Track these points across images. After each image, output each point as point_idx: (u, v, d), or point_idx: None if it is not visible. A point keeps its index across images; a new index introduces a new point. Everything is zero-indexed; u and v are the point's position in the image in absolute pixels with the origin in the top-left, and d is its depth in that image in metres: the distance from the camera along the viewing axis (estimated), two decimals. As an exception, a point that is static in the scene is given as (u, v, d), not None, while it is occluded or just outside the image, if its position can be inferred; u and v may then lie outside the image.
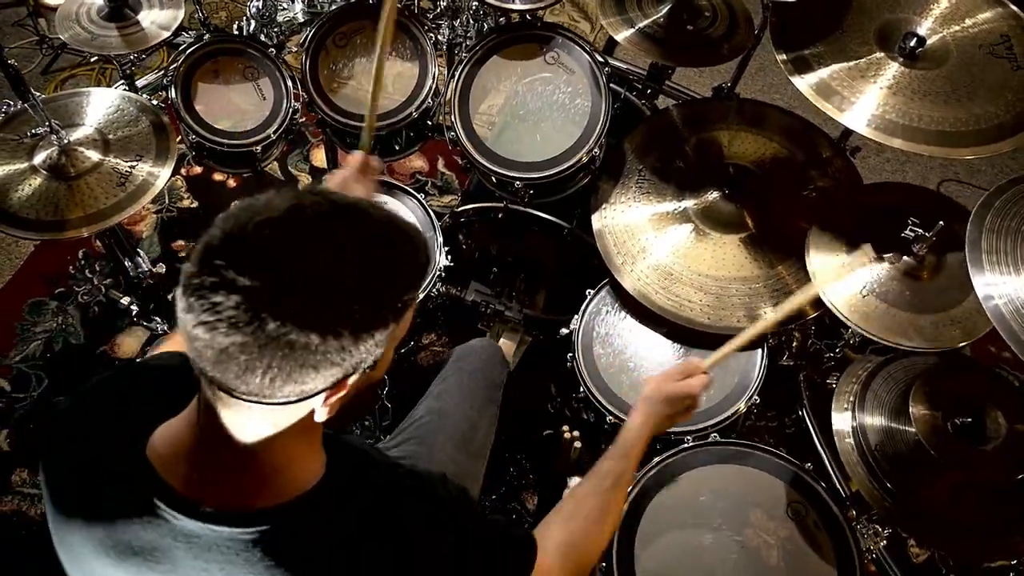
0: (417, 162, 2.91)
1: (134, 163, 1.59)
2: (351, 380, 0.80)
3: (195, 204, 2.72)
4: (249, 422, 0.81)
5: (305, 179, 2.83)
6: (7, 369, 2.28)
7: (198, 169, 2.75)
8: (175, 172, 2.72)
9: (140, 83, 1.93)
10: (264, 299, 0.70)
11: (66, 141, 1.58)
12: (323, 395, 0.79)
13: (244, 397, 0.75)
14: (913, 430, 1.38)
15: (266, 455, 0.84)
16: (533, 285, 2.33)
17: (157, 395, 0.93)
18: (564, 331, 1.85)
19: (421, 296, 1.84)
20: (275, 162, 2.83)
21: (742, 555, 1.49)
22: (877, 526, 1.65)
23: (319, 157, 2.85)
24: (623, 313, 1.84)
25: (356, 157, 1.45)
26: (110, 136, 1.64)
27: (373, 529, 0.89)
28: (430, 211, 1.94)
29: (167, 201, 2.69)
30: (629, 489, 1.30)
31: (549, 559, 1.09)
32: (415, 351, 2.38)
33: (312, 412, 0.82)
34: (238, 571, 0.85)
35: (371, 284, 0.76)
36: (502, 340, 2.32)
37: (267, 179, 2.80)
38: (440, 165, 2.89)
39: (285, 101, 1.89)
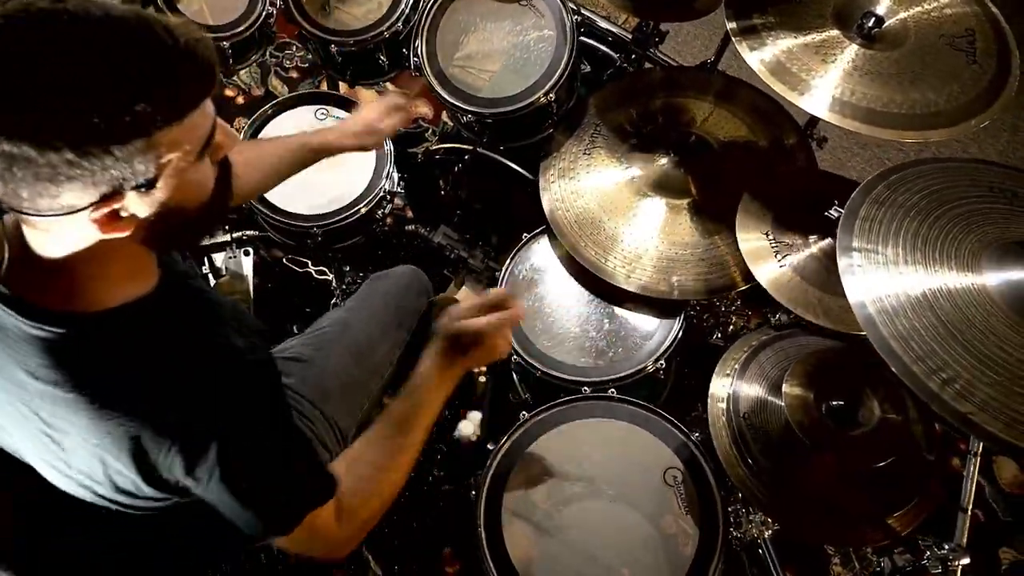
0: (422, 108, 2.93)
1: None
2: (128, 202, 0.81)
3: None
4: (36, 231, 0.84)
5: (311, 108, 2.90)
6: None
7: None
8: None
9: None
10: None
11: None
12: (88, 211, 0.79)
13: (9, 207, 0.78)
14: (783, 405, 1.34)
15: (64, 264, 0.86)
16: (503, 238, 2.35)
17: None
18: (494, 266, 1.86)
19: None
20: (285, 88, 2.91)
21: (617, 511, 1.48)
22: (763, 514, 1.61)
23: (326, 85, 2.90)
24: (553, 260, 1.84)
25: (398, 96, 1.59)
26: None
27: (161, 365, 0.90)
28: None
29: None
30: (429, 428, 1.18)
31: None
32: (375, 280, 2.42)
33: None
34: (18, 359, 0.88)
35: (77, 94, 0.73)
36: (463, 289, 2.34)
37: (273, 97, 2.88)
38: (444, 115, 2.91)
39: (260, 5, 1.94)
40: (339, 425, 1.51)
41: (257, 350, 1.01)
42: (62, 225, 0.81)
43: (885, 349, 1.00)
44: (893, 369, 0.99)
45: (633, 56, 2.10)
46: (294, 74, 2.94)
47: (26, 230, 0.85)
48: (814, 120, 1.81)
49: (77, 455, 0.94)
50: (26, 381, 0.89)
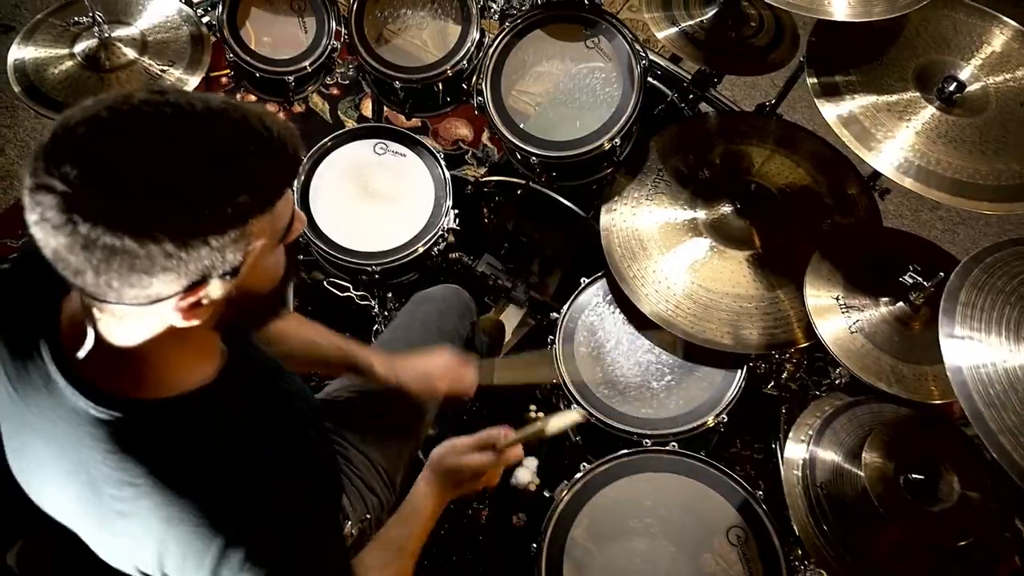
0: (462, 130, 2.93)
1: (165, 68, 1.66)
2: (211, 289, 0.81)
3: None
4: (112, 319, 0.84)
5: (351, 125, 2.88)
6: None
7: (252, 98, 2.83)
8: (231, 96, 2.83)
9: (197, -2, 2.00)
10: (74, 201, 0.71)
11: (107, 35, 1.65)
12: (174, 300, 0.79)
13: (93, 297, 0.78)
14: (862, 475, 1.34)
15: (135, 351, 0.86)
16: (547, 270, 2.34)
17: None
18: (554, 315, 1.85)
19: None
20: (326, 104, 2.89)
21: (681, 566, 1.47)
22: (823, 571, 1.61)
23: (368, 107, 2.89)
24: (613, 307, 1.83)
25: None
26: (149, 38, 1.71)
27: (210, 459, 0.89)
28: (445, 171, 1.95)
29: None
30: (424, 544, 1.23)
31: None
32: (418, 310, 2.41)
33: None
34: (80, 442, 0.88)
35: (183, 187, 0.73)
36: (503, 315, 2.33)
37: (316, 118, 2.87)
38: (484, 137, 2.91)
39: (325, 39, 1.93)
40: (384, 468, 1.50)
41: (309, 439, 1.03)
42: (142, 313, 0.81)
43: (995, 444, 1.00)
44: (1003, 466, 0.98)
45: (691, 95, 2.09)
46: (335, 91, 2.93)
47: (99, 316, 0.84)
48: (878, 172, 1.80)
49: (135, 538, 0.92)
50: (93, 463, 0.88)
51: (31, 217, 0.72)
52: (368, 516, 1.44)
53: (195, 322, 0.83)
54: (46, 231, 0.72)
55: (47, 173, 0.71)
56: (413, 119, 2.73)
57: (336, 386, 1.59)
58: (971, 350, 1.07)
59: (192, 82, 1.68)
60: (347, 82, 2.89)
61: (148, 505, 0.87)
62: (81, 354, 0.86)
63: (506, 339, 2.28)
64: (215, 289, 0.81)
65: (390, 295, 2.24)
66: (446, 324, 1.69)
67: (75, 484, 0.91)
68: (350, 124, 2.89)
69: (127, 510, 0.88)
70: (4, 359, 0.92)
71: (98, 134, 0.72)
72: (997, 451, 0.99)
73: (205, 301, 0.82)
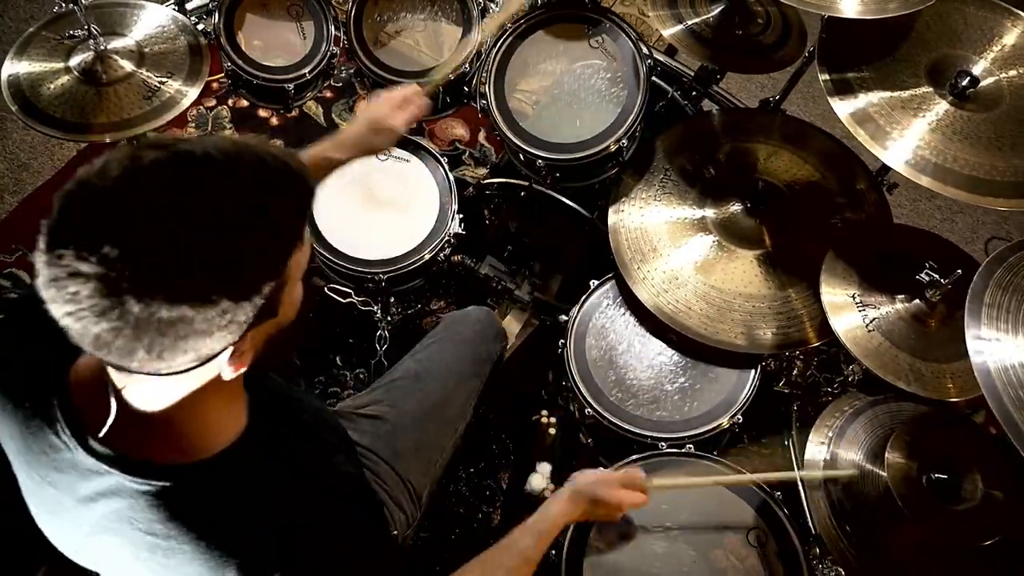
0: (459, 130, 2.90)
1: (164, 79, 1.62)
2: (251, 334, 0.77)
3: (235, 135, 2.76)
4: (149, 390, 0.81)
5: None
6: (32, 264, 2.35)
7: (245, 103, 2.79)
8: (223, 101, 2.79)
9: (191, 4, 1.95)
10: (119, 282, 0.65)
11: (103, 47, 1.61)
12: (226, 354, 0.77)
13: (138, 372, 0.73)
14: (885, 476, 1.33)
15: (172, 416, 0.83)
16: (549, 270, 2.32)
17: None
18: (563, 318, 1.84)
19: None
20: (319, 108, 2.85)
21: (701, 571, 1.47)
22: (840, 569, 1.60)
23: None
24: (623, 309, 1.81)
25: (411, 87, 1.44)
26: (146, 49, 1.67)
27: (270, 507, 0.88)
28: (450, 176, 1.93)
29: (210, 128, 2.74)
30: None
31: None
32: (420, 315, 2.39)
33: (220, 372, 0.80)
34: (122, 512, 0.84)
35: (234, 243, 0.70)
36: (508, 318, 2.31)
37: (309, 122, 2.83)
38: (481, 137, 2.87)
39: (324, 44, 1.89)
40: (413, 483, 1.49)
41: (344, 463, 1.03)
42: (187, 377, 0.77)
43: (1028, 449, 0.99)
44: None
45: (693, 92, 2.08)
46: (328, 93, 2.89)
47: (125, 384, 0.81)
48: (886, 166, 1.79)
49: None
50: (138, 536, 0.85)
51: (64, 308, 0.66)
52: (395, 532, 1.43)
53: (243, 370, 0.81)
54: (86, 320, 0.66)
55: (78, 258, 0.64)
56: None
57: (366, 400, 1.58)
58: (999, 351, 1.06)
59: (192, 93, 1.64)
60: (340, 84, 2.86)
61: (199, 569, 0.84)
62: (104, 430, 0.82)
63: (510, 343, 2.27)
64: (259, 332, 0.79)
65: (392, 300, 2.22)
66: (481, 345, 1.69)
67: (128, 559, 0.88)
68: (344, 127, 2.84)
69: (174, 570, 0.85)
70: (17, 433, 0.88)
71: (127, 204, 0.67)
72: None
73: (245, 347, 0.79)
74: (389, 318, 2.19)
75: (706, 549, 1.48)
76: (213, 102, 2.78)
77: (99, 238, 0.65)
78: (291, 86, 1.87)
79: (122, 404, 0.83)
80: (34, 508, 0.96)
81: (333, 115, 2.88)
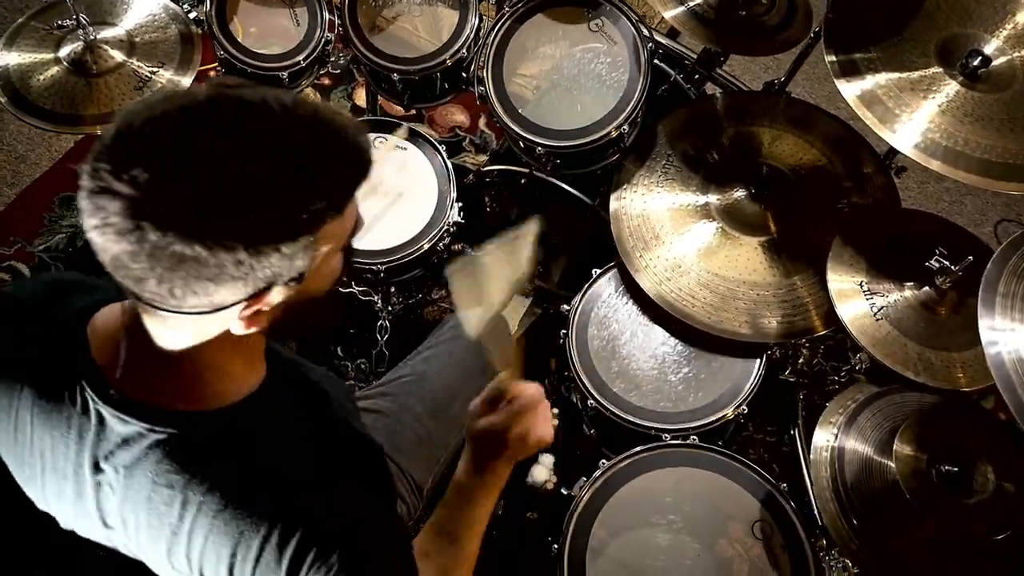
0: (459, 116, 2.86)
1: (155, 69, 1.59)
2: (273, 295, 0.77)
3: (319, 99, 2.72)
4: (165, 327, 0.80)
5: (346, 116, 2.81)
6: (30, 256, 2.34)
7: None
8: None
9: (184, -8, 1.92)
10: (143, 207, 0.66)
11: (92, 37, 1.58)
12: (237, 308, 0.76)
13: (150, 304, 0.73)
14: (894, 468, 1.30)
15: (188, 361, 0.83)
16: (551, 258, 2.29)
17: None
18: (565, 307, 1.81)
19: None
20: (317, 95, 2.82)
21: (705, 563, 1.45)
22: (848, 560, 1.58)
23: (361, 96, 2.82)
24: (626, 298, 1.78)
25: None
26: (137, 39, 1.64)
27: (270, 467, 0.87)
28: (448, 164, 1.89)
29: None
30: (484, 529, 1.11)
31: None
32: (422, 304, 2.36)
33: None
34: (140, 464, 0.85)
35: (261, 193, 0.69)
36: (509, 308, 2.29)
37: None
38: (481, 123, 2.84)
39: (318, 30, 1.86)
40: (415, 479, 1.49)
41: (356, 431, 0.99)
42: (200, 321, 0.77)
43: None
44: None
45: (696, 76, 2.03)
46: (326, 81, 2.85)
47: (148, 322, 0.81)
48: (894, 149, 1.75)
49: (205, 556, 0.89)
50: (156, 492, 0.85)
51: (91, 221, 0.68)
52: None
53: (254, 329, 0.80)
54: (107, 237, 0.68)
55: (113, 175, 0.66)
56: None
57: (368, 394, 1.57)
58: (1013, 342, 1.03)
59: (184, 82, 1.61)
60: (338, 71, 2.82)
61: (213, 521, 0.84)
62: (118, 372, 0.83)
63: (512, 332, 2.25)
64: (277, 295, 0.77)
65: (393, 290, 2.19)
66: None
67: (135, 512, 0.88)
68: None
69: (190, 527, 0.85)
70: (34, 407, 0.88)
71: (168, 134, 0.68)
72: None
73: (266, 308, 0.79)
74: (390, 308, 2.17)
75: (711, 541, 1.46)
76: (211, 90, 2.75)
77: (135, 161, 0.67)
78: (285, 74, 1.83)
79: (137, 347, 0.83)
80: (52, 502, 0.95)
81: (331, 102, 2.84)
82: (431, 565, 1.05)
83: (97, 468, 0.87)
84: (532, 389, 1.14)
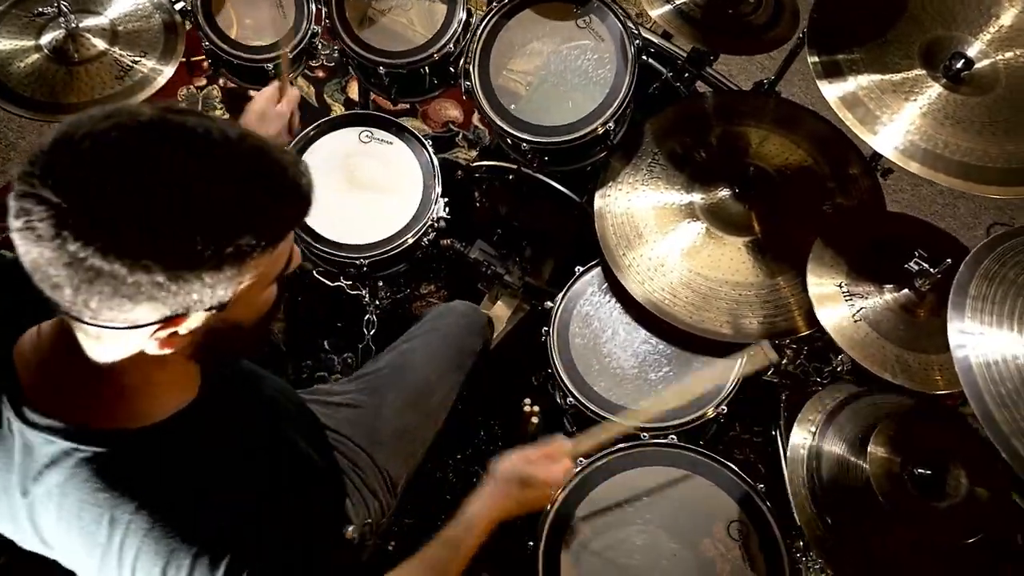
0: (452, 111, 2.86)
1: (138, 59, 1.59)
2: (191, 321, 0.77)
3: (226, 116, 2.72)
4: (87, 338, 0.80)
5: (339, 109, 2.81)
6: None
7: (231, 85, 2.75)
8: (213, 80, 2.75)
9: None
10: (67, 217, 0.67)
11: (74, 25, 1.57)
12: (151, 328, 0.75)
13: (67, 313, 0.74)
14: (868, 469, 1.30)
15: (112, 377, 0.83)
16: (541, 255, 2.28)
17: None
18: (548, 304, 1.81)
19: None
20: (312, 88, 2.81)
21: (684, 562, 1.45)
22: (822, 559, 1.58)
23: (355, 89, 2.81)
24: (609, 297, 1.78)
25: (268, 88, 1.41)
26: (120, 28, 1.63)
27: (201, 486, 0.86)
28: (434, 158, 1.89)
29: (200, 107, 2.71)
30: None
31: None
32: (410, 299, 2.36)
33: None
34: (70, 482, 0.84)
35: (188, 221, 0.70)
36: (498, 304, 2.28)
37: (301, 102, 2.78)
38: (475, 119, 2.83)
39: (304, 22, 1.85)
40: (390, 473, 1.48)
41: (302, 446, 0.99)
42: (118, 336, 0.77)
43: (1006, 447, 0.95)
44: (1016, 470, 0.94)
45: (686, 74, 2.02)
46: (321, 73, 2.85)
47: (77, 335, 0.81)
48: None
49: (129, 569, 0.88)
50: (86, 510, 0.84)
51: (16, 223, 0.68)
52: (369, 520, 1.42)
53: (168, 351, 0.79)
54: (29, 240, 0.68)
55: (42, 182, 0.67)
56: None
57: (346, 388, 1.57)
58: (982, 346, 1.03)
59: (167, 72, 1.61)
60: (333, 64, 2.81)
61: (143, 540, 0.83)
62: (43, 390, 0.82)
63: (501, 328, 2.25)
64: (196, 320, 0.78)
65: (381, 284, 2.19)
66: (466, 339, 1.67)
67: (68, 531, 0.87)
68: (337, 108, 2.81)
69: (120, 546, 0.84)
70: None
71: (104, 151, 0.69)
72: (1009, 454, 0.94)
73: (183, 331, 0.78)
74: (377, 303, 2.16)
75: (690, 540, 1.46)
76: (204, 82, 2.75)
77: (67, 172, 0.68)
78: (271, 66, 1.83)
79: (62, 363, 0.83)
80: None
81: (325, 95, 2.84)
82: None
83: (27, 489, 0.87)
84: (567, 465, 1.25)
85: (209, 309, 0.77)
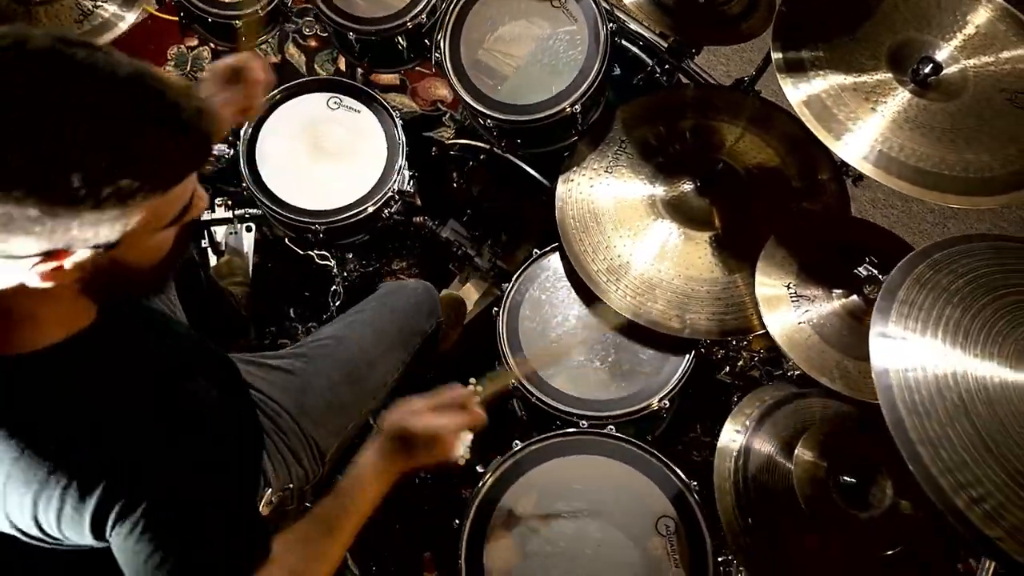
0: (442, 90, 2.83)
1: (99, 3, 1.57)
2: (76, 256, 0.75)
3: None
4: None
5: (327, 79, 2.78)
6: None
7: (196, 42, 2.73)
8: (205, 41, 2.73)
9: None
10: None
11: (34, -38, 1.56)
12: (30, 261, 0.74)
13: None
14: (793, 473, 1.27)
15: None
16: (516, 239, 2.26)
17: None
18: (505, 286, 1.79)
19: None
20: (302, 56, 2.79)
21: (608, 553, 1.43)
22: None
23: (345, 62, 2.79)
24: (563, 282, 1.75)
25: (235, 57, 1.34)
26: (83, -31, 1.61)
27: (76, 416, 0.84)
28: (400, 130, 1.87)
29: (189, 68, 2.69)
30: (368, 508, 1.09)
31: None
32: (380, 274, 2.34)
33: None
34: None
35: (63, 155, 0.68)
36: (467, 286, 2.27)
37: (289, 68, 2.77)
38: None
39: (277, -21, 1.83)
40: (318, 443, 1.45)
41: (208, 394, 0.96)
42: None
43: (911, 454, 0.92)
44: (918, 478, 0.91)
45: (667, 65, 1.99)
46: (313, 43, 2.82)
47: None
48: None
49: (8, 502, 0.87)
50: None
51: None
52: (291, 486, 1.39)
53: (50, 284, 0.78)
54: None
55: None
56: (392, 76, 2.64)
57: (285, 353, 1.54)
58: (902, 351, 1.00)
59: (129, 18, 1.58)
60: (326, 34, 2.79)
61: (12, 467, 0.82)
62: None
63: (468, 310, 2.23)
64: (80, 257, 0.76)
65: (350, 255, 2.17)
66: (413, 321, 1.64)
67: None
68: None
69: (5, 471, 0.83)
70: None
71: None
72: (913, 461, 0.92)
73: (68, 266, 0.76)
74: (345, 274, 2.15)
75: (618, 532, 1.44)
76: (195, 42, 2.73)
77: None
78: (239, 23, 1.81)
79: None
80: None
81: (316, 65, 2.82)
82: (304, 551, 1.02)
83: None
84: (471, 415, 1.17)
85: (96, 247, 0.75)
